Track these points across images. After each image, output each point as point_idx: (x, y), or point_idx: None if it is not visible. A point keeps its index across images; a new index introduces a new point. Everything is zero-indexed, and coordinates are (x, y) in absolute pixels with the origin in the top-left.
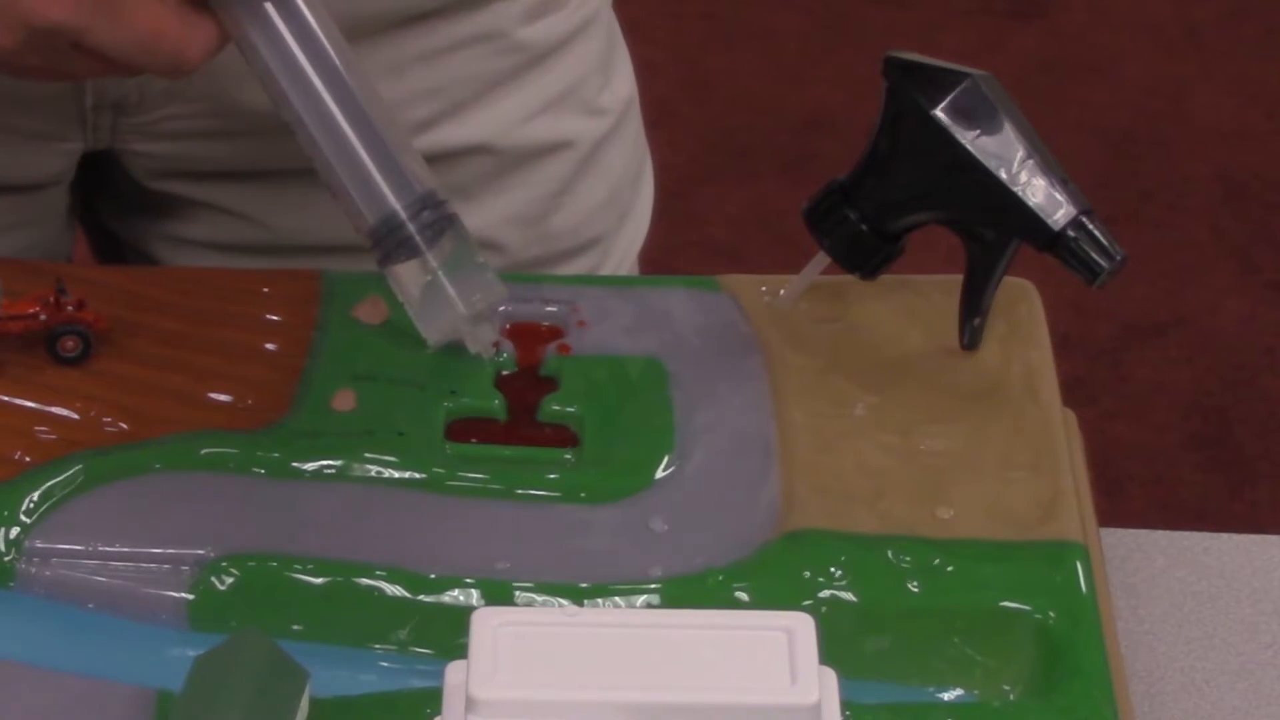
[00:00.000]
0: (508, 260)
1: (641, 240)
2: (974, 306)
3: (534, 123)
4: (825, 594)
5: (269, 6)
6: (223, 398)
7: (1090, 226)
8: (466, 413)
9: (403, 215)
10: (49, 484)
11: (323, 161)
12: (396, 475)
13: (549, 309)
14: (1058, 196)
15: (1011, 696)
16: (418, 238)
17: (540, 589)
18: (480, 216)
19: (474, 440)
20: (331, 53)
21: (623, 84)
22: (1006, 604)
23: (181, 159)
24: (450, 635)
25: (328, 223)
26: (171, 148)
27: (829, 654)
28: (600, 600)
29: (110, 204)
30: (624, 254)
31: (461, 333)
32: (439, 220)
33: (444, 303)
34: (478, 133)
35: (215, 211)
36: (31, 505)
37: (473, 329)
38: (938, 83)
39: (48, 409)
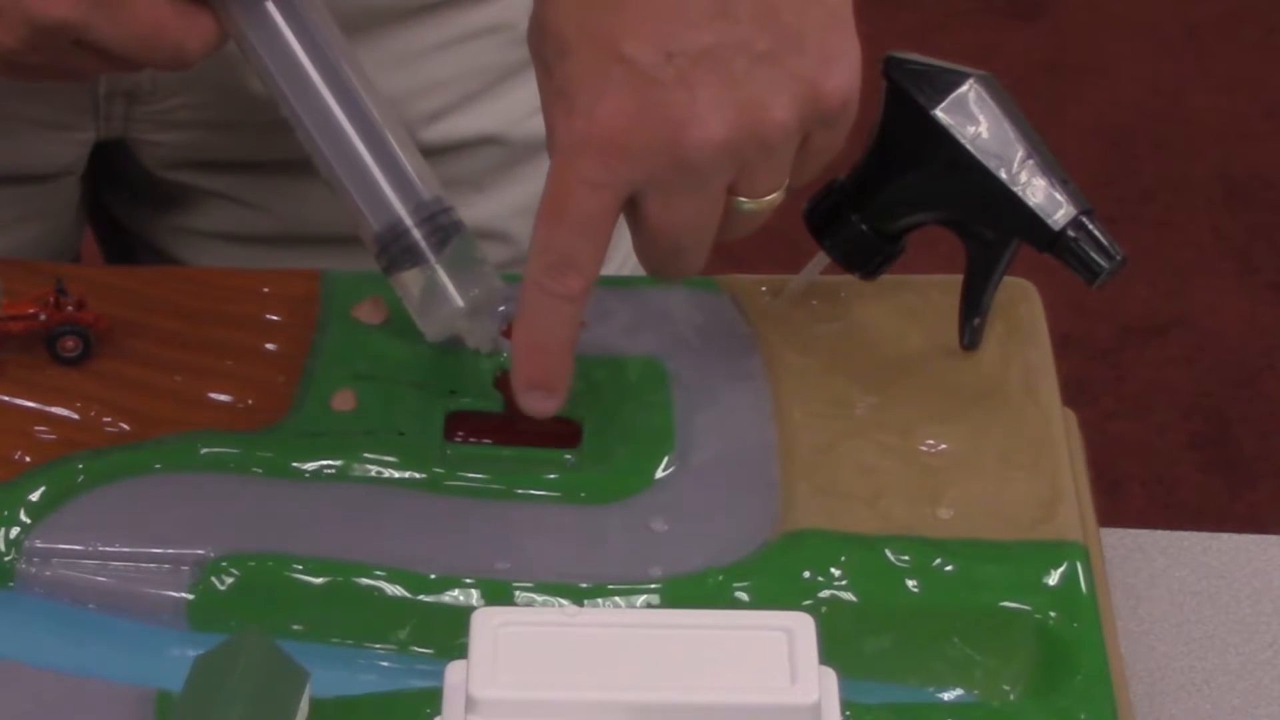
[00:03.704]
0: (518, 252)
1: None
2: (974, 306)
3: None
4: (825, 594)
5: (269, 5)
6: (223, 398)
7: (1090, 226)
8: (466, 412)
9: (408, 222)
10: (49, 484)
11: (325, 166)
12: (396, 475)
13: None
14: (1058, 196)
15: (1011, 696)
16: (423, 245)
17: (540, 589)
18: (490, 207)
19: (474, 440)
20: (333, 54)
21: None
22: (1006, 604)
23: (193, 148)
24: (450, 635)
25: (339, 213)
26: (183, 137)
27: (829, 654)
28: (600, 600)
29: (119, 195)
30: (630, 247)
31: (460, 329)
32: (444, 227)
33: (443, 298)
34: (488, 124)
35: (227, 201)
36: (31, 505)
37: (471, 325)
38: (938, 83)
39: (48, 409)
